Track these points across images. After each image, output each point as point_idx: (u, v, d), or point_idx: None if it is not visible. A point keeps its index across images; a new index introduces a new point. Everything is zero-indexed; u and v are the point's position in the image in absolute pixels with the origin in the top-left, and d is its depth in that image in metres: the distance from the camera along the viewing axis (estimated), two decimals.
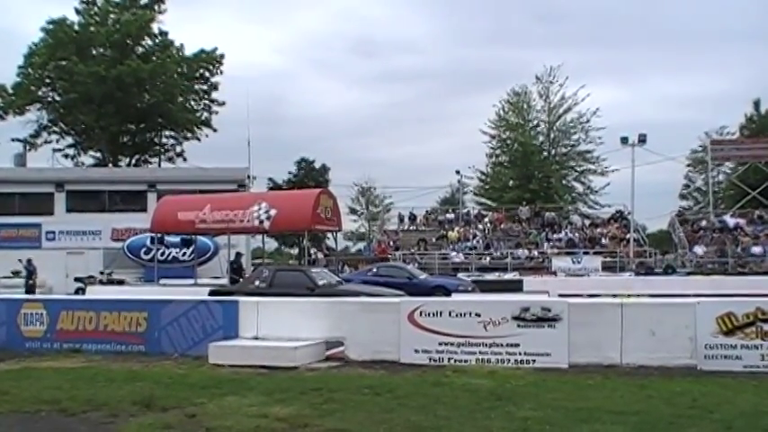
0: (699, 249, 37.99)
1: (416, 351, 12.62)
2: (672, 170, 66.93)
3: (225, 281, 25.00)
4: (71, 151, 53.71)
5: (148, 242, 31.55)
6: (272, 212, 23.67)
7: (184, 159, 54.93)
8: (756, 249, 36.84)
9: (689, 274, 32.67)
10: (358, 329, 13.20)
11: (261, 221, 23.78)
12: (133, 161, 53.76)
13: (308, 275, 20.29)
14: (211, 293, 18.89)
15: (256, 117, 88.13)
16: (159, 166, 53.62)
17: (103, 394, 9.92)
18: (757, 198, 45.17)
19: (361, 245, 65.77)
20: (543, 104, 55.99)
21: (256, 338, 13.66)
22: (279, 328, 13.55)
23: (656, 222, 56.06)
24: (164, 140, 56.13)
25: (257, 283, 20.25)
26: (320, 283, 19.97)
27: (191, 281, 25.87)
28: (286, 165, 66.99)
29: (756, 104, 58.95)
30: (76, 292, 26.37)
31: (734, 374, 11.08)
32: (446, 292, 22.40)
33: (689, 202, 63.85)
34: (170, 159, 55.56)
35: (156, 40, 53.87)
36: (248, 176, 38.70)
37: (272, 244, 58.30)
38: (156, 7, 53.76)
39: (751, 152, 46.84)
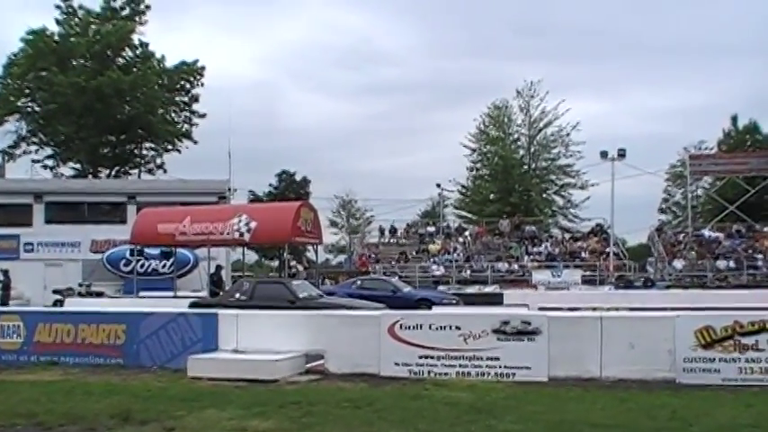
0: (678, 263, 38.23)
1: (396, 364, 12.63)
2: (651, 184, 67.46)
3: (205, 293, 24.88)
4: (50, 162, 53.35)
5: (128, 254, 31.33)
6: (253, 225, 23.60)
7: (165, 171, 54.68)
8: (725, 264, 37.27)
9: (668, 287, 32.87)
10: (338, 342, 13.18)
11: (241, 234, 23.70)
12: (113, 173, 53.39)
13: (289, 288, 20.25)
14: (191, 306, 18.79)
15: (237, 129, 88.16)
16: (139, 177, 53.34)
17: (81, 408, 9.84)
18: (735, 212, 45.55)
19: (341, 258, 65.71)
20: (524, 118, 56.32)
21: (236, 351, 13.62)
22: (258, 341, 13.51)
23: (636, 236, 56.43)
24: (144, 152, 55.83)
25: (238, 295, 20.18)
26: (301, 295, 19.93)
27: (170, 293, 25.71)
28: (267, 177, 66.85)
29: (734, 120, 59.59)
30: (54, 304, 26.12)
31: (712, 387, 11.16)
32: (430, 305, 22.40)
33: (668, 216, 64.33)
34: (150, 171, 55.30)
35: (137, 52, 53.70)
36: (229, 189, 38.58)
37: (252, 256, 58.12)
38: (136, 18, 53.63)
39: (729, 167, 47.30)
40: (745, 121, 58.84)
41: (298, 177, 65.23)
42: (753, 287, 32.35)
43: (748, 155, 49.00)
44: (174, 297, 24.40)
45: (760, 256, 38.02)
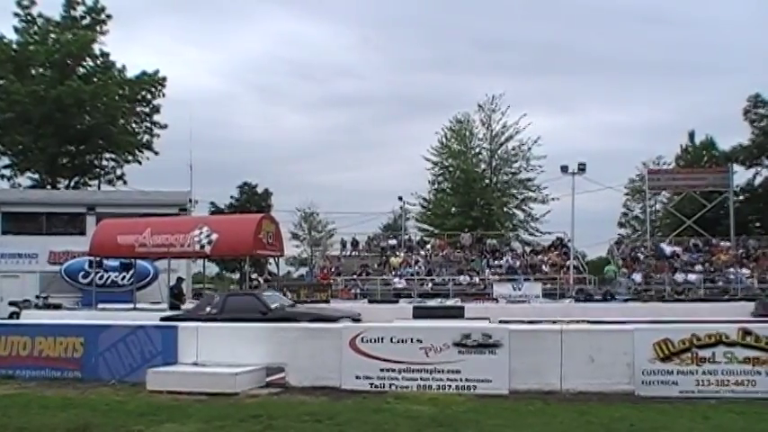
0: (637, 276, 38.62)
1: (358, 377, 12.62)
2: (611, 198, 68.32)
3: (165, 305, 24.66)
4: (7, 172, 52.42)
5: (87, 266, 30.94)
6: (214, 237, 23.46)
7: (125, 182, 54.11)
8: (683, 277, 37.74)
9: (627, 300, 33.12)
10: (299, 355, 13.15)
11: (202, 246, 23.55)
12: (72, 183, 52.76)
13: (260, 299, 20.13)
14: (162, 320, 18.57)
15: (199, 140, 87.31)
16: (99, 188, 52.71)
17: (37, 422, 9.70)
18: (692, 227, 46.18)
19: (303, 270, 65.50)
20: (485, 132, 56.44)
21: (196, 364, 13.51)
22: (219, 354, 13.43)
23: (596, 250, 56.95)
24: (104, 163, 55.22)
25: (209, 309, 20.01)
26: (273, 306, 19.80)
27: (130, 305, 25.45)
28: (228, 189, 66.56)
29: (691, 136, 60.53)
30: (11, 316, 25.73)
31: (670, 400, 11.29)
32: None
33: (627, 229, 65.09)
34: (110, 182, 54.65)
35: (98, 62, 53.19)
36: (190, 200, 38.26)
37: (213, 269, 57.71)
38: (97, 28, 53.13)
39: (686, 182, 47.95)
40: (702, 138, 59.86)
41: (259, 189, 65.05)
42: (710, 300, 32.74)
43: (705, 170, 49.77)
44: (134, 309, 24.17)
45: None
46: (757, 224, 51.13)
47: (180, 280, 26.95)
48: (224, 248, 24.44)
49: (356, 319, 18.94)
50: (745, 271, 37.90)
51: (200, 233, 23.58)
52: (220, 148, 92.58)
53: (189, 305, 24.17)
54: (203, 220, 26.48)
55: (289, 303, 21.47)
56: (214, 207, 59.65)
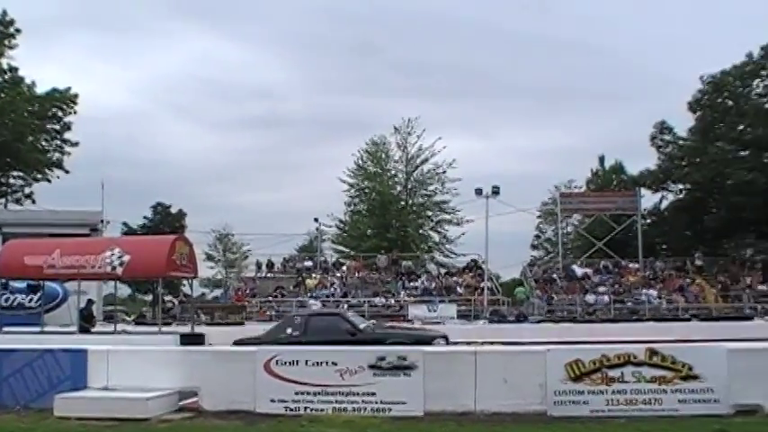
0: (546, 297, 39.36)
1: (272, 400, 12.50)
2: (524, 221, 69.52)
3: (74, 328, 24.04)
4: None
5: None
6: (126, 258, 22.98)
7: (33, 201, 52.72)
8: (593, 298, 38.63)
9: (539, 321, 33.68)
10: (212, 379, 12.95)
11: (113, 267, 23.03)
12: None
13: (347, 319, 19.31)
14: (235, 343, 17.74)
15: (111, 159, 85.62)
16: (5, 207, 51.26)
17: None
18: (603, 249, 47.31)
19: (218, 292, 64.71)
20: (401, 155, 57.03)
21: (106, 389, 13.19)
22: (130, 378, 13.12)
23: (510, 271, 57.79)
24: (11, 181, 53.74)
25: (290, 330, 19.01)
26: (362, 326, 19.08)
27: (37, 329, 24.71)
28: (141, 209, 65.34)
29: (601, 160, 62.32)
30: None
31: (582, 419, 11.50)
32: None
33: (540, 251, 66.39)
34: (17, 201, 53.17)
35: (6, 77, 51.80)
36: (101, 221, 37.48)
37: (125, 290, 56.49)
38: (5, 42, 51.80)
39: (596, 205, 49.21)
40: (611, 162, 61.65)
41: (173, 210, 64.14)
42: (619, 321, 33.56)
43: (614, 194, 51.13)
44: (42, 333, 23.49)
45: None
46: (663, 246, 52.74)
47: (90, 302, 26.29)
48: (136, 270, 23.96)
49: (447, 340, 18.93)
50: (653, 292, 39.02)
51: (112, 254, 23.08)
52: (134, 168, 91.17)
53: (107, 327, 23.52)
54: (115, 242, 25.97)
55: (372, 322, 21.00)
56: (127, 228, 58.45)
